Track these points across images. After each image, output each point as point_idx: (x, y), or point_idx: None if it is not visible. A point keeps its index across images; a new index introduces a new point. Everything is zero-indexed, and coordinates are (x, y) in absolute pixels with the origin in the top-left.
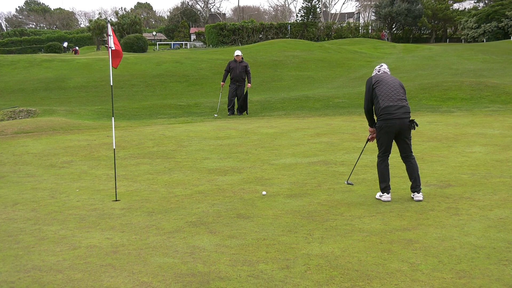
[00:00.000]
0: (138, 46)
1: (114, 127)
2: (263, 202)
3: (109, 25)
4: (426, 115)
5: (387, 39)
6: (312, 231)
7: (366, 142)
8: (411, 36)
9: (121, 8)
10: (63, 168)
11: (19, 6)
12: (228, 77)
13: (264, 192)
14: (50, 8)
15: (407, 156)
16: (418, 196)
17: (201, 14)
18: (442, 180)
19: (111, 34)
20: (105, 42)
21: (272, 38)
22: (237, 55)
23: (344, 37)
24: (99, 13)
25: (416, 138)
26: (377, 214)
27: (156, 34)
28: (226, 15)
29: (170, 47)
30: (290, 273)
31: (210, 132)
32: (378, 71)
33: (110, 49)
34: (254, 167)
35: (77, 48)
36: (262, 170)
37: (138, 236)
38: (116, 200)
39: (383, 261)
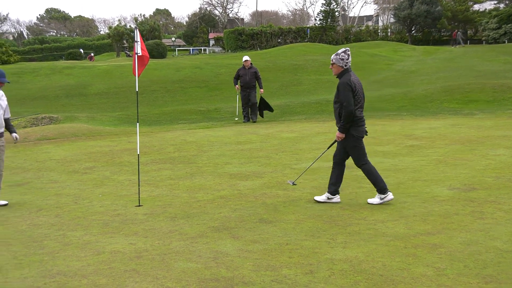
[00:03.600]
0: (158, 52)
1: (136, 133)
2: (285, 207)
3: (137, 30)
4: (448, 117)
5: (457, 41)
6: (335, 236)
7: (332, 144)
8: (431, 38)
9: (140, 14)
10: (85, 174)
11: (40, 14)
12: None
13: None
14: (70, 16)
15: (344, 161)
16: (337, 199)
17: (219, 19)
18: (466, 184)
19: (138, 40)
20: (125, 49)
21: (291, 42)
22: (245, 61)
23: (363, 40)
24: (119, 20)
25: (439, 141)
26: (401, 218)
27: (175, 40)
28: (245, 20)
29: (189, 52)
30: (314, 278)
31: (230, 137)
32: (346, 66)
33: (136, 55)
34: (275, 172)
35: (92, 54)
36: (283, 175)
37: (161, 241)
38: (139, 206)
39: (408, 266)
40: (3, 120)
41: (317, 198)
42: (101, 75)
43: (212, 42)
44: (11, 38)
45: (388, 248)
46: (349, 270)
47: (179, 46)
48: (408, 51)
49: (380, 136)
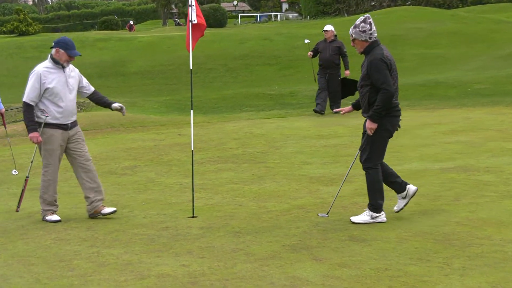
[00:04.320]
0: (215, 20)
1: (189, 123)
2: (384, 222)
3: None
4: None
5: None
6: (450, 260)
7: (365, 139)
8: None
9: None
10: (124, 175)
11: None
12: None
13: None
14: None
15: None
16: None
17: None
18: None
19: (193, 3)
20: (173, 16)
21: (388, 5)
22: (326, 31)
23: (485, 3)
24: None
25: None
26: None
27: (237, 4)
28: None
29: (256, 20)
30: None
31: (310, 129)
32: (371, 38)
33: (191, 23)
34: None
35: (131, 22)
36: None
37: (222, 263)
38: (192, 217)
39: None
40: (75, 104)
41: (354, 218)
42: (144, 49)
43: (285, 6)
44: (31, 2)
45: None
46: None
47: (243, 11)
48: None
49: (509, 128)
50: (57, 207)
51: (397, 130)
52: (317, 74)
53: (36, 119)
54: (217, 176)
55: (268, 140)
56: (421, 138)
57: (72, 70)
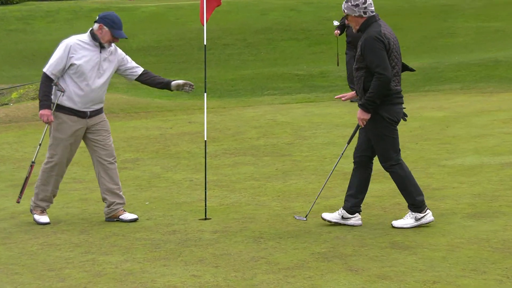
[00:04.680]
0: None
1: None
2: (431, 225)
3: None
4: None
5: None
6: (511, 271)
7: (356, 130)
8: None
9: None
10: (124, 169)
11: None
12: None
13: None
14: None
15: (371, 159)
16: (357, 220)
17: None
18: None
19: None
20: None
21: None
22: None
23: None
24: None
25: None
26: None
27: None
28: None
29: None
30: None
31: (344, 116)
32: (367, 13)
33: None
34: (414, 170)
35: None
36: (427, 175)
37: (240, 274)
38: (205, 219)
39: None
40: (103, 92)
41: (326, 216)
42: (148, 20)
43: None
44: None
45: None
46: None
47: None
48: None
49: None
50: (51, 204)
51: (404, 119)
52: (345, 53)
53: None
54: (234, 171)
55: (294, 129)
56: (477, 128)
57: (112, 53)
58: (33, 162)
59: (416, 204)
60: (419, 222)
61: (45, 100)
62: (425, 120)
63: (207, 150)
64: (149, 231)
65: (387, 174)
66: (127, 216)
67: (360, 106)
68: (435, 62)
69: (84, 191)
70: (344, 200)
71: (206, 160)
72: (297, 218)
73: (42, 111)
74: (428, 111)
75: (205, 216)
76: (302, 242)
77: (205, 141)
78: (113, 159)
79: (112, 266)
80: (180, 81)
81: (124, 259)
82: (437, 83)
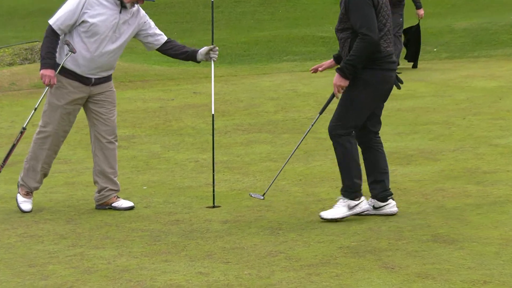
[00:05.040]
0: None
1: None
2: (481, 215)
3: None
4: None
5: None
6: None
7: (330, 100)
8: None
9: None
10: (119, 148)
11: None
12: None
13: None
14: None
15: (376, 134)
16: (392, 207)
17: None
18: None
19: None
20: None
21: None
22: None
23: None
24: None
25: None
26: None
27: None
28: None
29: None
30: None
31: None
32: None
33: None
34: (461, 150)
35: None
36: (476, 156)
37: (255, 271)
38: (213, 207)
39: None
40: (115, 59)
41: (327, 214)
42: None
43: None
44: None
45: None
46: None
47: None
48: None
49: None
50: (39, 185)
51: (398, 87)
52: None
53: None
54: (248, 150)
55: (318, 101)
56: None
57: (133, 16)
58: (23, 128)
59: (353, 188)
60: (352, 211)
61: (48, 58)
62: (474, 91)
63: (215, 126)
64: (147, 220)
65: (430, 154)
66: (122, 203)
67: (338, 70)
68: (487, 22)
69: (71, 173)
70: (370, 189)
71: (214, 138)
72: (253, 196)
73: (43, 71)
74: (478, 80)
75: (213, 203)
76: (328, 235)
77: (213, 115)
78: (113, 138)
79: (104, 262)
80: (205, 48)
81: (118, 254)
82: (489, 47)
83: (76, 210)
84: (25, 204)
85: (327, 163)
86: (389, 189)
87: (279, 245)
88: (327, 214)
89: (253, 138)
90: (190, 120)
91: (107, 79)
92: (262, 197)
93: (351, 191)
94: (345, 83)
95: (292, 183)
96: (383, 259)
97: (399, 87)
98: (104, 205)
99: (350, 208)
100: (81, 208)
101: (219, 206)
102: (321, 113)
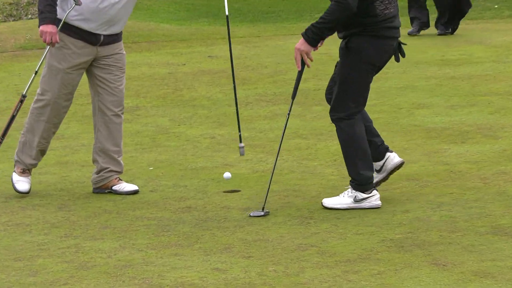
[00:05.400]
0: None
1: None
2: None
3: None
4: None
5: None
6: None
7: (299, 79)
8: None
9: None
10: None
11: None
12: None
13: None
14: None
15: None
16: (376, 199)
17: None
18: None
19: None
20: None
21: None
22: None
23: None
24: None
25: None
26: None
27: None
28: None
29: None
30: None
31: (428, 50)
32: None
33: None
34: None
35: None
36: None
37: (282, 268)
38: (232, 191)
39: None
40: (127, 12)
41: (329, 202)
42: None
43: None
44: None
45: None
46: None
47: None
48: None
49: None
50: (36, 162)
51: (397, 60)
52: None
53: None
54: (273, 125)
55: None
56: None
57: None
58: (23, 96)
59: (359, 181)
60: (358, 205)
61: (48, 12)
62: None
63: (233, 96)
64: (154, 207)
65: (489, 131)
66: (124, 186)
67: (302, 33)
68: None
69: (64, 151)
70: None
71: (238, 109)
72: (252, 215)
73: (43, 27)
74: None
75: (233, 188)
76: (368, 225)
77: (234, 83)
78: (120, 110)
79: (103, 256)
80: None
81: (119, 246)
82: None
83: (70, 194)
84: (21, 183)
85: None
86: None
87: (310, 237)
88: (329, 201)
89: (279, 111)
90: (205, 89)
91: (118, 38)
92: (263, 213)
93: (357, 184)
94: (307, 48)
95: (325, 164)
96: (433, 254)
97: (397, 60)
98: (103, 189)
99: (357, 201)
100: (76, 192)
101: (239, 191)
102: (293, 97)
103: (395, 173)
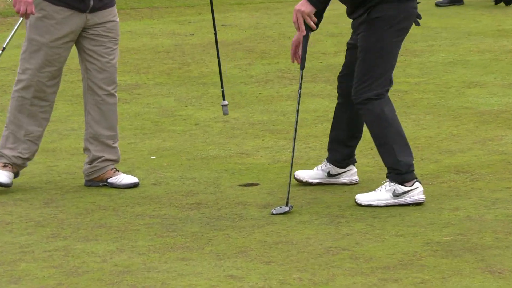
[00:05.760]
0: None
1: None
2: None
3: None
4: None
5: None
6: None
7: (306, 45)
8: None
9: None
10: (118, 102)
11: None
12: None
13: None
14: None
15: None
16: (353, 174)
17: None
18: None
19: None
20: None
21: None
22: None
23: None
24: None
25: None
26: None
27: None
28: None
29: None
30: None
31: (481, 19)
32: None
33: None
34: None
35: None
36: None
37: (308, 275)
38: (249, 185)
39: None
40: None
41: (301, 174)
42: None
43: None
44: None
45: None
46: None
47: None
48: None
49: None
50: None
51: (417, 24)
52: None
53: None
54: (295, 106)
55: None
56: None
57: None
58: (3, 47)
59: (399, 168)
60: (398, 200)
61: None
62: None
63: (252, 73)
64: (157, 203)
65: None
66: (122, 178)
67: None
68: None
69: (50, 136)
70: (328, 149)
71: (252, 89)
72: (275, 212)
73: None
74: None
75: (250, 181)
76: (410, 225)
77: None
78: (113, 89)
79: (98, 260)
80: None
81: (116, 249)
82: None
83: (58, 188)
84: (2, 176)
85: (409, 125)
86: (355, 155)
87: (341, 239)
88: (363, 197)
89: (304, 90)
90: (217, 63)
91: (110, 1)
92: (287, 209)
93: (396, 173)
94: (309, 9)
95: (360, 153)
96: (487, 260)
97: (418, 23)
98: (97, 181)
99: (396, 195)
100: (65, 184)
101: (257, 184)
102: (302, 68)
103: (439, 162)
